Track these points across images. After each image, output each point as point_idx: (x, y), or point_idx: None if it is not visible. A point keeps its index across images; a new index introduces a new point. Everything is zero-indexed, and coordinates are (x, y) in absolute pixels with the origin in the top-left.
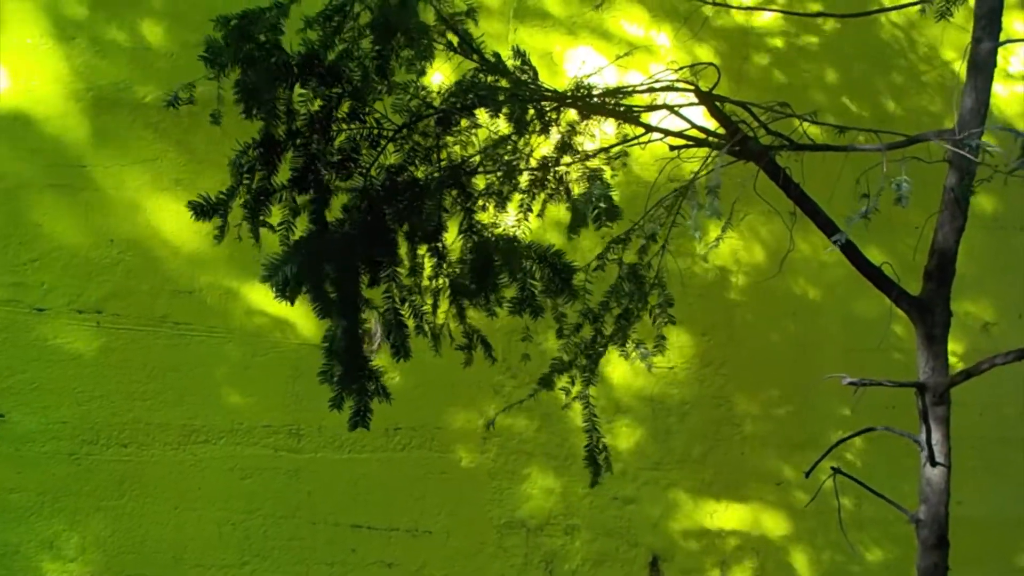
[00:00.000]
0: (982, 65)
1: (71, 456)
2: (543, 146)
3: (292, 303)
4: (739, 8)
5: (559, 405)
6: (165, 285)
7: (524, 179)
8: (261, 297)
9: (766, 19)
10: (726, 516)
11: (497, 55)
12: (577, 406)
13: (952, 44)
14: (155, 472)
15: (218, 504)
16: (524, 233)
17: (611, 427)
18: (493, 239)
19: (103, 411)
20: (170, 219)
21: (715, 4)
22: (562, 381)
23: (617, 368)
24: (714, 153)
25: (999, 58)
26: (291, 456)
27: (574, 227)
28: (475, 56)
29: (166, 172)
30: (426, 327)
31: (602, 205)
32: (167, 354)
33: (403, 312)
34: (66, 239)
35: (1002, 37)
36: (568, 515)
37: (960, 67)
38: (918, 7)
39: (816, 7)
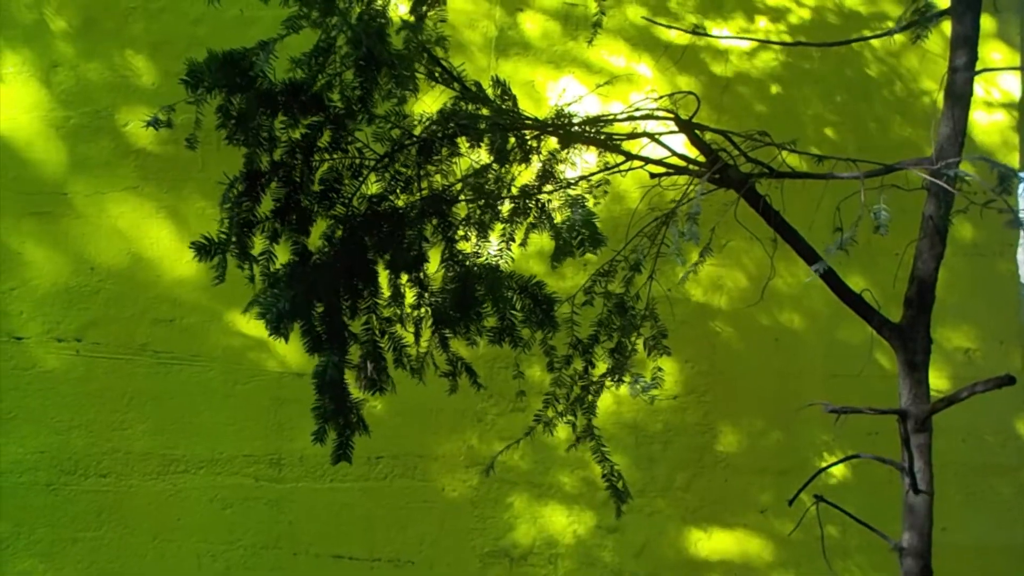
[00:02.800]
0: (959, 94)
1: (49, 486)
2: (524, 175)
3: (287, 340)
4: (720, 38)
5: (541, 434)
6: (146, 313)
7: (506, 208)
8: (243, 325)
9: (746, 49)
10: (710, 544)
11: (478, 84)
12: (561, 434)
13: (930, 73)
14: (134, 502)
15: (198, 535)
16: (507, 263)
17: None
18: (475, 268)
19: (82, 440)
20: (151, 247)
21: (695, 34)
22: (550, 412)
23: (600, 396)
24: (695, 181)
25: (979, 87)
26: (272, 486)
27: (558, 256)
28: (456, 85)
29: (147, 200)
30: (405, 360)
31: (585, 232)
32: (147, 383)
33: (382, 344)
34: (46, 267)
35: (979, 66)
36: (551, 544)
37: (938, 96)
38: (896, 34)
39: (796, 37)
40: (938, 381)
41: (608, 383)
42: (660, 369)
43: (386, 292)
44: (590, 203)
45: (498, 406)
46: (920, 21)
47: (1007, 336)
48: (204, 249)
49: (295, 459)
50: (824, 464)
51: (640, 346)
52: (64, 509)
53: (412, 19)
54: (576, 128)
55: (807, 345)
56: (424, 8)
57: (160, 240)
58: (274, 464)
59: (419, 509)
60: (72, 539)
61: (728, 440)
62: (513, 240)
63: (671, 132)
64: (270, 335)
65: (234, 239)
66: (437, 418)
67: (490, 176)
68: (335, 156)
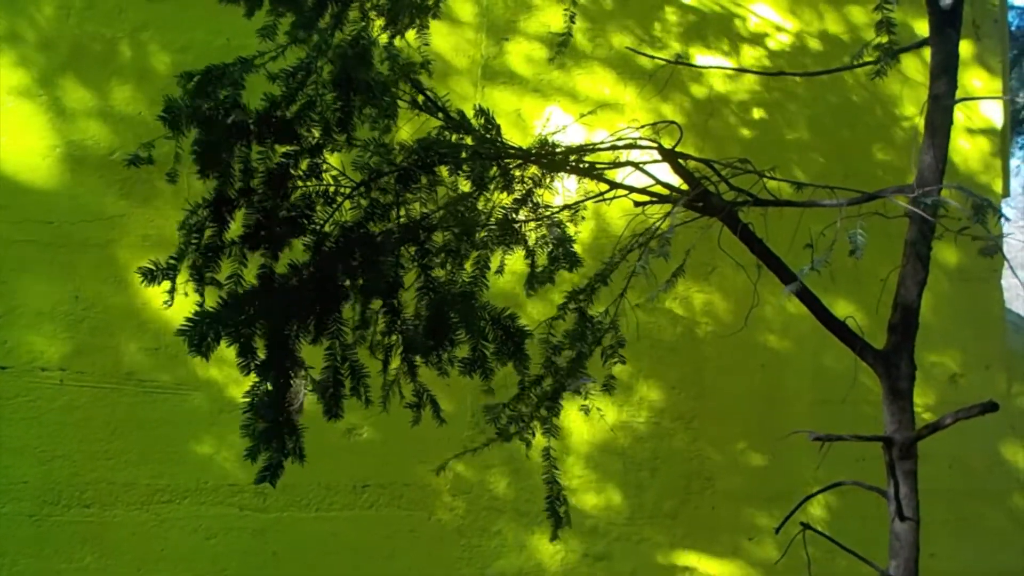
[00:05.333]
0: (939, 123)
1: (31, 517)
2: (505, 202)
3: (207, 359)
4: (703, 68)
5: (528, 460)
6: (130, 342)
7: (482, 234)
8: (227, 353)
9: (730, 73)
10: (699, 571)
11: (461, 113)
12: (538, 456)
13: (912, 100)
14: (118, 533)
15: (182, 566)
16: (481, 290)
17: (581, 482)
18: (449, 296)
19: (65, 470)
20: (136, 275)
21: (678, 64)
22: (513, 428)
23: (586, 423)
24: (675, 208)
25: (961, 113)
26: (257, 515)
27: (532, 283)
28: (440, 114)
29: (132, 228)
30: (361, 389)
31: (560, 250)
32: (132, 411)
33: (343, 371)
34: (30, 295)
35: (960, 93)
36: (539, 572)
37: (919, 123)
38: (875, 67)
39: (778, 62)
40: (924, 406)
41: (568, 395)
42: (612, 377)
43: (351, 318)
44: (571, 230)
45: (485, 433)
46: (882, 57)
47: (992, 361)
48: (150, 274)
49: (280, 488)
50: (811, 490)
51: (598, 354)
52: (47, 540)
53: (386, 36)
54: (559, 157)
55: (794, 371)
56: (404, 20)
57: None
58: (259, 494)
59: (406, 538)
60: (55, 570)
61: (716, 466)
62: (488, 267)
63: (655, 161)
64: (189, 353)
65: (190, 264)
66: (424, 446)
67: (469, 204)
68: (309, 183)
